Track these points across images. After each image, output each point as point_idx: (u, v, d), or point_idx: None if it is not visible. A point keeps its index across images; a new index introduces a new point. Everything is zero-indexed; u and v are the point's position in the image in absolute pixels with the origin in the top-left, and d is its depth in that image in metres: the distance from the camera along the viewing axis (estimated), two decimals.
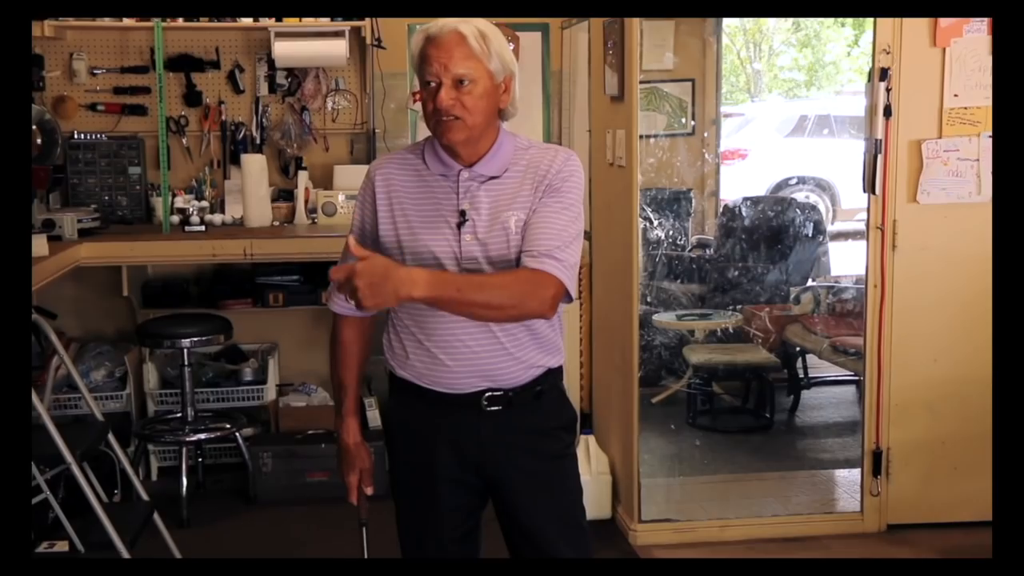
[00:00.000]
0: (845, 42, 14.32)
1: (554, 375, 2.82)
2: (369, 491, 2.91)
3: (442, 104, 2.55)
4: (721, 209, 7.56)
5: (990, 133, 4.59)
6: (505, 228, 2.59)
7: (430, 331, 2.70)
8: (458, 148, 2.64)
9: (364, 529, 2.97)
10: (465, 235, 2.59)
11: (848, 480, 5.13)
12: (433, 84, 2.56)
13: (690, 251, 7.30)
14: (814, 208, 7.57)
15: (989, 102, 4.58)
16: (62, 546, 4.50)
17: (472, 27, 2.58)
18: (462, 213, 2.60)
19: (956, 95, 4.58)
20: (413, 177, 2.72)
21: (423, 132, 5.34)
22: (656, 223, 6.65)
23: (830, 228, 8.80)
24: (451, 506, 2.83)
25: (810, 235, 6.95)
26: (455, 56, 2.56)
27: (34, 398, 4.01)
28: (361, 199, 2.78)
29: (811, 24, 14.16)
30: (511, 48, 2.74)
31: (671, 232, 7.11)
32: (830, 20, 13.91)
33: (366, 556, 3.01)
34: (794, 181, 11.28)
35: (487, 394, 2.71)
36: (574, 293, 2.63)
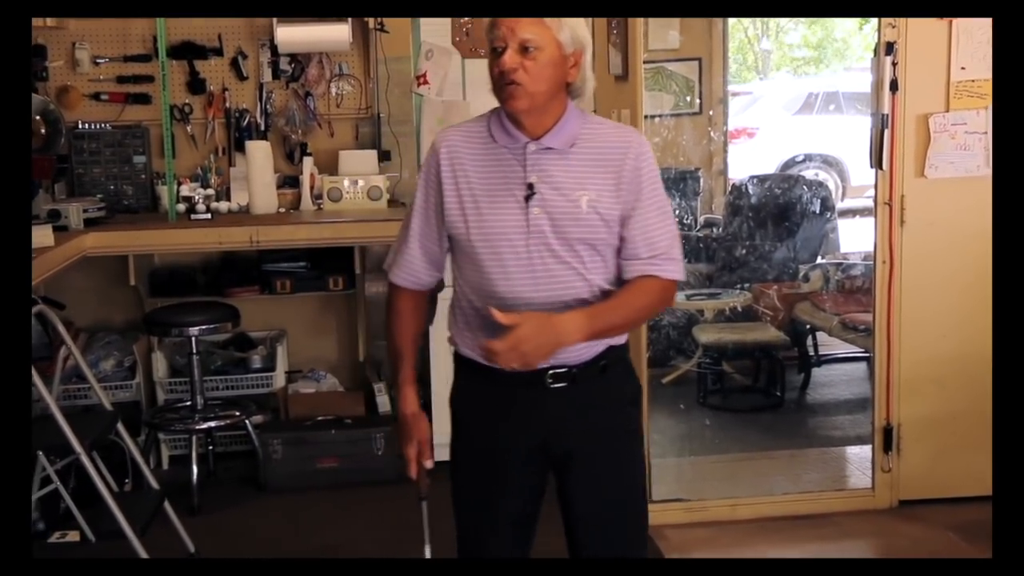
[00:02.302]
0: (855, 18, 14.32)
1: (619, 350, 2.81)
2: (428, 464, 2.87)
3: (504, 66, 2.53)
4: (729, 188, 7.61)
5: None
6: (576, 206, 2.58)
7: (477, 313, 2.72)
8: (522, 118, 2.62)
9: (424, 504, 2.92)
10: (533, 208, 2.57)
11: (859, 457, 5.16)
12: (499, 48, 2.55)
13: (698, 230, 7.32)
14: (822, 185, 7.58)
15: None
16: (73, 536, 4.54)
17: None
18: (530, 186, 2.57)
19: (963, 68, 4.59)
20: (479, 148, 2.70)
21: (428, 116, 5.38)
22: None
23: (839, 205, 8.82)
24: (513, 486, 2.83)
25: (818, 212, 6.98)
26: (523, 21, 2.55)
27: (43, 389, 4.06)
28: (425, 174, 2.76)
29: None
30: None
31: (678, 211, 7.12)
32: None
33: (427, 533, 2.94)
34: (802, 159, 11.32)
35: (551, 371, 2.69)
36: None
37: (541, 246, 2.58)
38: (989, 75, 4.55)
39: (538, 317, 2.54)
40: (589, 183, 2.60)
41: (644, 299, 2.70)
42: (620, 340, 2.79)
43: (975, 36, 4.54)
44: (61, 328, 4.40)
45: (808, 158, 11.32)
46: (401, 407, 2.87)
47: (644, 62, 4.71)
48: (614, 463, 2.81)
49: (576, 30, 2.59)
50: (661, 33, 7.37)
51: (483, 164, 2.68)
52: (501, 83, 2.56)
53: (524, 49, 2.55)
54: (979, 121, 4.60)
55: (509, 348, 2.50)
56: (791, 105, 12.68)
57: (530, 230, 2.57)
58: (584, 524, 2.86)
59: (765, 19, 13.74)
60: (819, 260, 6.92)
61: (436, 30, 5.38)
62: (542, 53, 2.54)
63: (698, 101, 8.03)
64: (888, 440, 4.77)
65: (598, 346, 2.73)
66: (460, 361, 2.83)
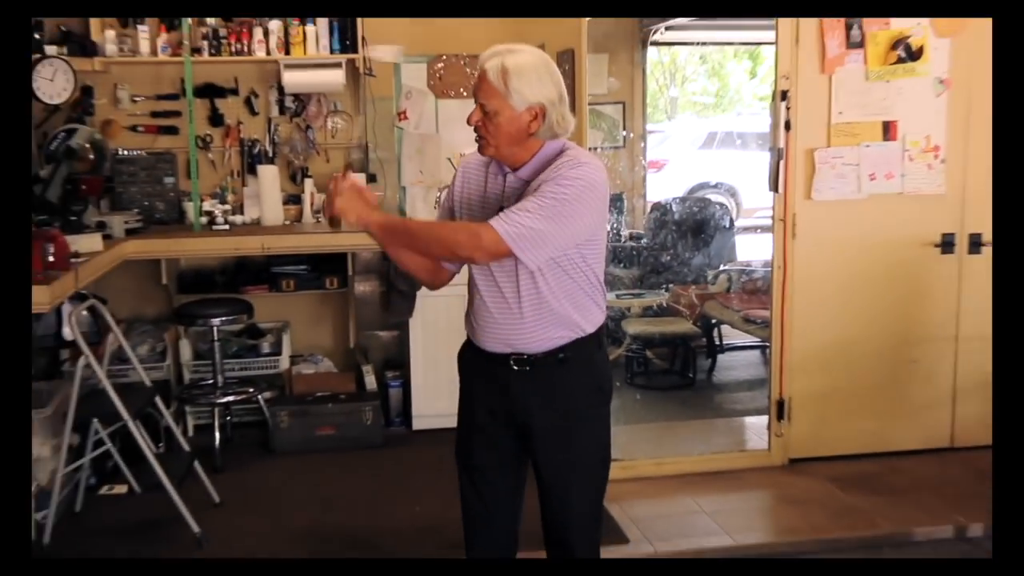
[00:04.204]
0: (746, 73, 14.50)
1: (581, 344, 2.77)
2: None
3: (469, 121, 2.64)
4: (652, 206, 7.60)
5: (868, 143, 4.67)
6: None
7: (476, 306, 2.78)
8: (496, 158, 2.70)
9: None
10: None
11: (757, 424, 5.18)
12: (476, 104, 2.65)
13: (624, 242, 7.39)
14: (721, 206, 7.61)
15: (866, 118, 4.65)
16: (121, 488, 4.63)
17: (497, 65, 2.58)
18: (500, 208, 2.62)
19: (840, 112, 4.63)
20: (481, 171, 2.78)
21: (408, 146, 5.45)
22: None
23: (738, 224, 8.94)
24: (485, 432, 2.85)
25: (726, 227, 7.07)
26: (481, 89, 2.61)
27: (96, 367, 4.10)
28: (452, 181, 2.87)
29: (715, 57, 14.31)
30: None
31: (612, 225, 7.22)
32: (731, 53, 14.06)
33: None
34: (706, 185, 11.39)
35: (513, 356, 2.74)
36: (523, 256, 2.55)
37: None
38: (860, 118, 4.65)
39: (353, 194, 2.63)
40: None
41: (448, 229, 2.69)
42: (579, 335, 2.75)
43: (849, 87, 4.62)
44: (109, 318, 4.40)
45: (711, 185, 11.41)
46: None
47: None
48: (565, 439, 2.80)
49: (525, 91, 2.58)
50: (596, 80, 7.45)
51: (479, 183, 2.79)
52: (476, 134, 2.67)
53: (485, 112, 2.61)
54: (853, 155, 4.66)
55: (332, 202, 2.61)
56: (695, 141, 12.76)
57: None
58: (544, 482, 2.86)
59: (672, 71, 13.88)
60: (724, 266, 6.95)
61: (414, 74, 5.41)
62: (499, 116, 2.59)
63: (623, 137, 8.06)
64: (781, 410, 4.80)
65: (556, 340, 2.72)
66: (467, 338, 2.89)
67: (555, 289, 2.68)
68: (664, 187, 10.06)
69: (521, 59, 2.59)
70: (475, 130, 2.67)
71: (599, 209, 2.66)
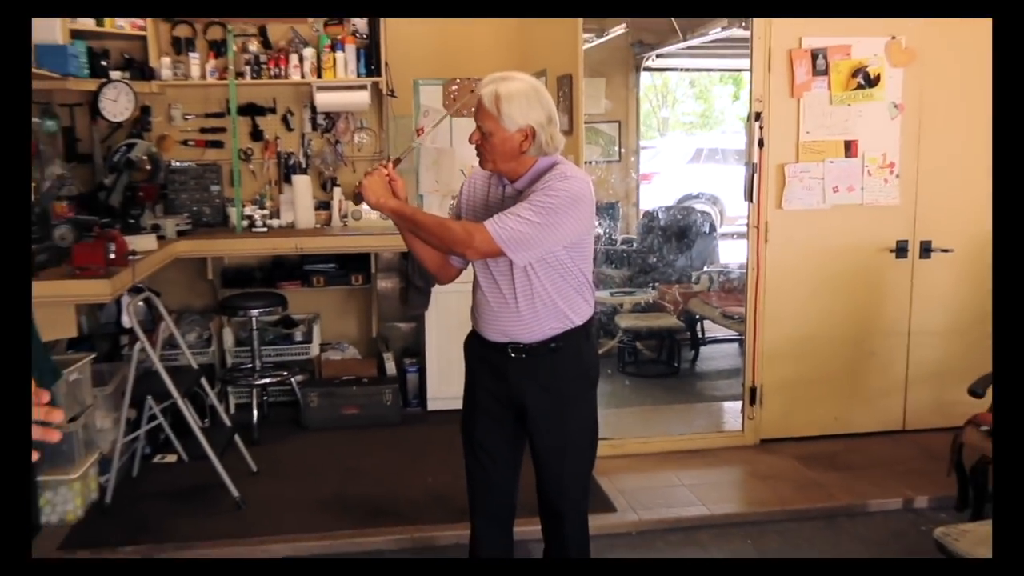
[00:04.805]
0: (729, 96, 14.47)
1: (572, 334, 2.77)
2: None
3: (470, 140, 2.69)
4: (643, 214, 7.58)
5: (832, 159, 4.67)
6: None
7: (478, 301, 2.82)
8: (495, 172, 2.74)
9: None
10: None
11: (733, 409, 5.17)
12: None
13: (618, 245, 7.40)
14: (705, 215, 7.54)
15: (830, 137, 4.65)
16: (171, 457, 4.64)
17: (492, 92, 2.61)
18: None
19: (808, 132, 4.65)
20: (485, 182, 2.83)
21: (425, 158, 5.49)
22: (598, 224, 6.78)
23: (720, 230, 8.94)
24: (487, 412, 2.87)
25: (707, 233, 7.06)
26: (479, 113, 2.65)
27: (151, 351, 4.11)
28: (460, 188, 2.91)
29: (702, 82, 14.28)
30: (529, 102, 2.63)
31: (606, 230, 7.28)
32: (717, 78, 14.03)
33: None
34: (693, 195, 11.36)
35: (510, 345, 2.76)
36: (512, 255, 2.59)
37: None
38: (825, 137, 4.64)
39: (382, 180, 2.68)
40: None
41: (447, 225, 2.67)
42: (570, 326, 2.76)
43: (815, 110, 4.62)
44: (162, 309, 4.41)
45: (698, 195, 11.39)
46: None
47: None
48: (557, 419, 2.81)
49: (517, 119, 2.60)
50: (593, 101, 7.49)
51: (484, 192, 2.83)
52: (476, 152, 2.72)
53: (483, 133, 2.65)
54: (819, 170, 4.66)
55: (363, 180, 2.66)
56: (684, 156, 12.71)
57: None
58: (538, 456, 2.88)
59: (663, 94, 13.85)
60: (706, 268, 6.94)
61: (431, 94, 5.39)
62: (493, 136, 2.63)
63: (618, 152, 8.07)
64: (753, 396, 4.81)
65: (549, 331, 2.74)
66: (472, 329, 2.92)
67: (547, 286, 2.70)
68: (656, 197, 10.03)
69: (513, 86, 2.62)
70: (476, 148, 2.70)
71: (583, 217, 2.67)
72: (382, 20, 5.45)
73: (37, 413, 1.34)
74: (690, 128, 14.37)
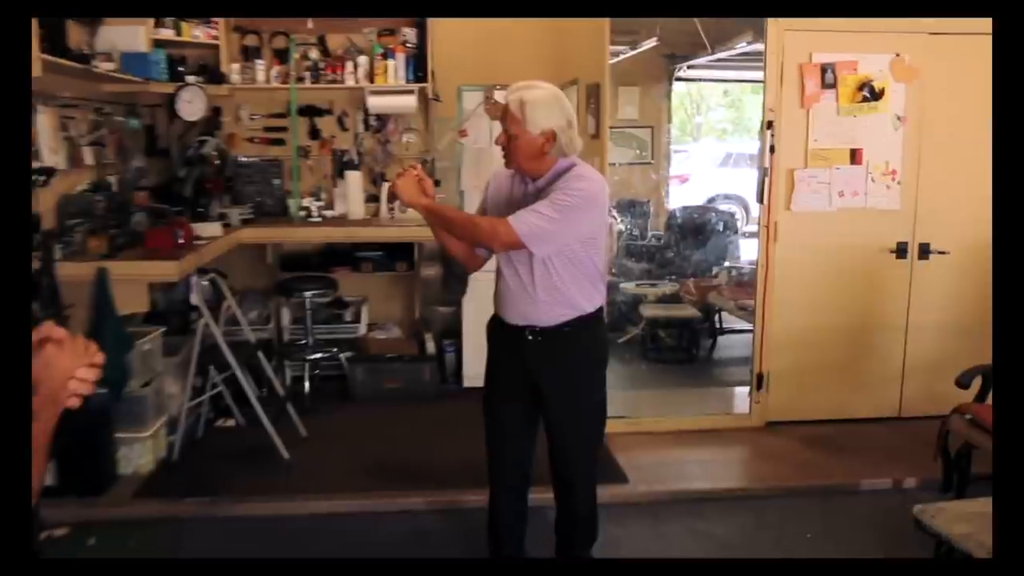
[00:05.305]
0: (759, 105, 14.27)
1: (584, 320, 2.79)
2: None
3: (497, 142, 2.74)
4: (669, 213, 7.56)
5: (838, 166, 4.63)
6: None
7: (500, 288, 2.86)
8: (519, 171, 2.77)
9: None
10: None
11: (742, 393, 5.12)
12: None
13: (646, 241, 7.32)
14: (730, 214, 7.51)
15: (837, 145, 4.62)
16: (230, 422, 4.71)
17: (517, 99, 2.64)
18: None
19: (816, 140, 4.63)
20: (509, 180, 2.84)
21: (466, 157, 5.56)
22: (619, 220, 6.79)
23: (744, 229, 8.86)
24: (506, 389, 2.91)
25: (722, 231, 7.01)
26: (505, 118, 2.70)
27: (214, 328, 4.18)
28: (486, 186, 2.93)
29: (736, 92, 14.10)
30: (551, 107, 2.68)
31: (632, 227, 7.27)
32: (749, 88, 13.86)
33: None
34: (721, 196, 11.29)
35: (528, 328, 2.79)
36: (532, 248, 2.64)
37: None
38: (832, 145, 4.61)
39: (413, 181, 2.71)
40: None
41: (474, 220, 2.73)
42: (582, 312, 2.78)
43: (823, 119, 4.59)
44: (226, 289, 4.50)
45: (726, 196, 11.30)
46: None
47: (615, 127, 4.73)
48: (568, 396, 2.84)
49: (540, 123, 2.63)
50: (628, 109, 7.37)
51: (507, 189, 2.85)
52: (502, 152, 2.76)
53: (509, 136, 2.70)
54: (825, 175, 4.64)
55: (396, 181, 2.70)
56: (715, 160, 12.67)
57: None
58: (551, 430, 2.92)
59: (697, 101, 13.71)
60: (725, 264, 6.90)
61: (473, 99, 5.41)
62: (519, 139, 2.66)
63: (650, 155, 8.09)
64: (760, 382, 4.81)
65: (563, 316, 2.76)
66: (495, 313, 2.96)
67: (563, 276, 2.73)
68: (687, 197, 9.99)
69: (536, 94, 2.66)
70: (502, 149, 2.74)
71: (597, 215, 2.71)
72: (429, 31, 5.47)
73: (90, 372, 1.35)
74: (722, 134, 14.21)
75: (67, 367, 1.32)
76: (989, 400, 3.83)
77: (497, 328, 2.93)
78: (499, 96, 2.71)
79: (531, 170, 2.74)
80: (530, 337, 2.80)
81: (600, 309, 2.86)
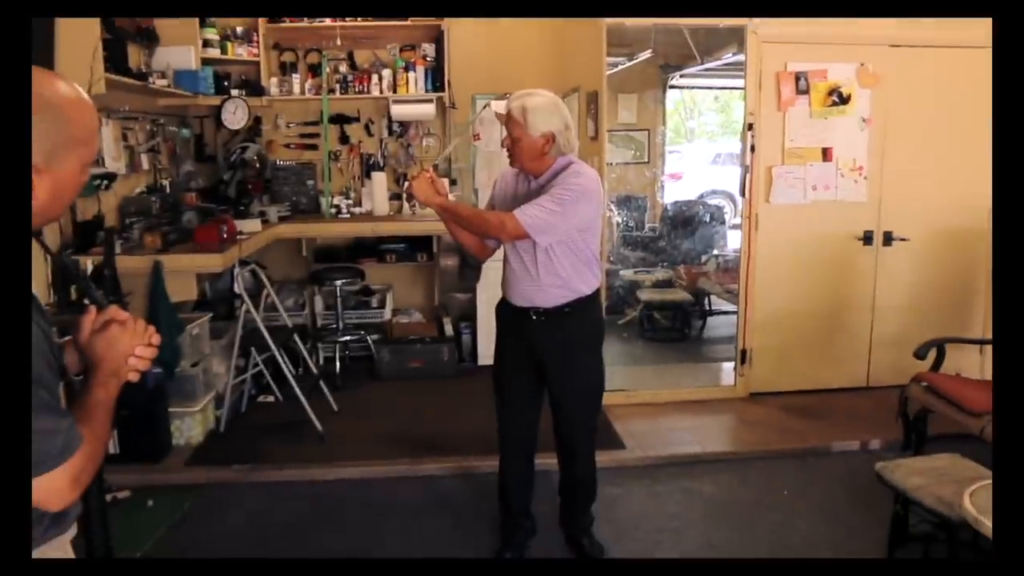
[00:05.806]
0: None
1: (582, 301, 2.80)
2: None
3: (502, 145, 2.77)
4: (663, 207, 7.61)
5: (811, 163, 4.64)
6: None
7: (507, 274, 2.88)
8: (522, 170, 2.79)
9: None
10: None
11: (728, 368, 5.14)
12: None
13: (642, 232, 7.34)
14: (719, 207, 7.49)
15: (810, 144, 4.63)
16: (270, 398, 4.72)
17: (519, 105, 2.66)
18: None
19: (791, 140, 4.65)
20: (514, 178, 2.86)
21: (480, 159, 5.62)
22: (617, 214, 6.84)
23: (733, 221, 8.88)
24: (513, 365, 2.92)
25: (708, 222, 7.05)
26: (508, 123, 2.71)
27: (255, 313, 4.19)
28: (494, 184, 2.95)
29: (724, 98, 14.07)
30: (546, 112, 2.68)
31: (629, 220, 7.32)
32: (738, 95, 13.82)
33: None
34: (711, 192, 11.30)
35: (532, 309, 2.81)
36: (536, 238, 2.65)
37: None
38: (806, 144, 4.62)
39: (426, 182, 2.70)
40: None
41: (484, 215, 2.74)
42: (580, 295, 2.78)
43: (798, 121, 4.61)
44: (265, 279, 4.55)
45: (716, 192, 11.31)
46: None
47: (615, 131, 4.70)
48: (569, 369, 2.84)
49: (540, 126, 2.64)
50: (626, 114, 7.36)
51: (513, 186, 2.88)
52: (507, 153, 2.79)
53: (512, 138, 2.70)
54: (800, 172, 4.66)
55: (411, 183, 2.70)
56: (706, 159, 12.65)
57: None
58: (554, 402, 2.94)
59: (689, 107, 13.69)
60: (712, 252, 6.91)
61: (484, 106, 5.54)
62: (521, 141, 2.68)
63: (647, 155, 8.18)
64: (744, 357, 4.84)
65: (563, 298, 2.77)
66: (502, 297, 2.97)
67: (563, 262, 2.75)
68: (681, 193, 10.00)
69: (536, 100, 2.69)
70: (507, 151, 2.78)
71: (593, 207, 2.73)
72: (447, 45, 5.50)
73: (148, 351, 1.38)
74: (712, 136, 14.19)
75: (128, 345, 1.35)
76: (943, 369, 3.88)
77: (504, 310, 2.95)
78: (497, 106, 2.75)
79: (533, 169, 2.76)
80: (534, 317, 2.82)
81: (596, 291, 2.88)
